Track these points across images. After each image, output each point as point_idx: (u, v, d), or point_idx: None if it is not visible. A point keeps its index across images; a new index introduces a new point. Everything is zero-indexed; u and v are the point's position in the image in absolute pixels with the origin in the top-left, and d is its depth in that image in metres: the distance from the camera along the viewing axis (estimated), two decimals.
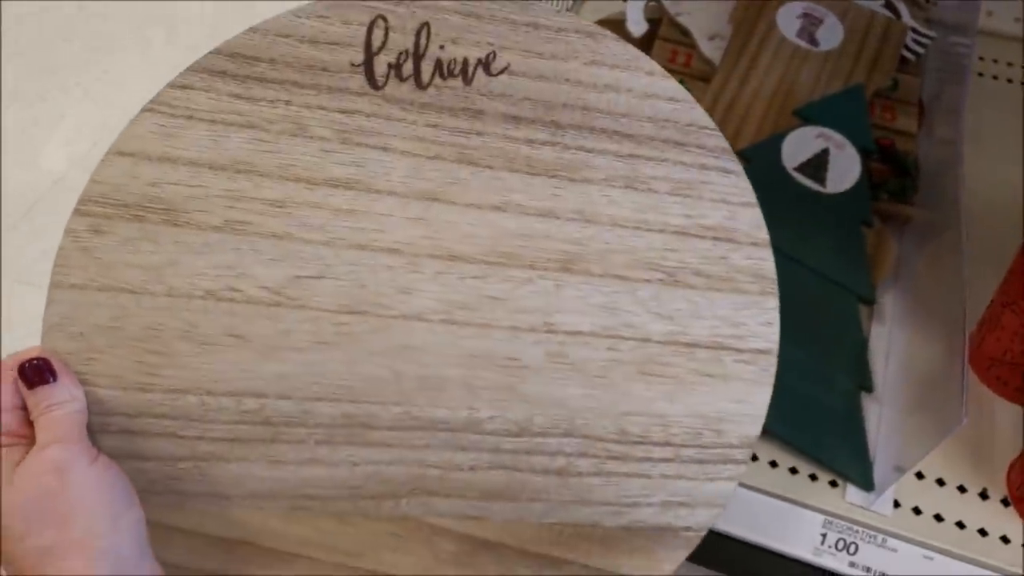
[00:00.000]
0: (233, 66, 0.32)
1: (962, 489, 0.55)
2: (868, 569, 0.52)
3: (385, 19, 0.31)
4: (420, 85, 0.32)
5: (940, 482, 0.55)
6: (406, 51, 0.31)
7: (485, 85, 0.32)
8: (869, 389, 0.58)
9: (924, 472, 0.55)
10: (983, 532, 0.52)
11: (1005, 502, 0.54)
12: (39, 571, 0.27)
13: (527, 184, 0.33)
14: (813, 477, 0.55)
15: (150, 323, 0.32)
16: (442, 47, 0.32)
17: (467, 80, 0.32)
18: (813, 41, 0.75)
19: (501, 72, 0.32)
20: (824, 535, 0.53)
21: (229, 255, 0.32)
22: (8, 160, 0.81)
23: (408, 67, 0.31)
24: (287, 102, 0.32)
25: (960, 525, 0.53)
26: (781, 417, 0.54)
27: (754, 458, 0.55)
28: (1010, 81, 0.85)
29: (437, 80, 0.32)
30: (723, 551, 0.55)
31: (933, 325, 0.62)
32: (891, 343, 0.62)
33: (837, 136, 0.67)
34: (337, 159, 0.32)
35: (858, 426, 0.56)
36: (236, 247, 0.32)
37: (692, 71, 0.75)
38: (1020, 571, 0.51)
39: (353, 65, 0.32)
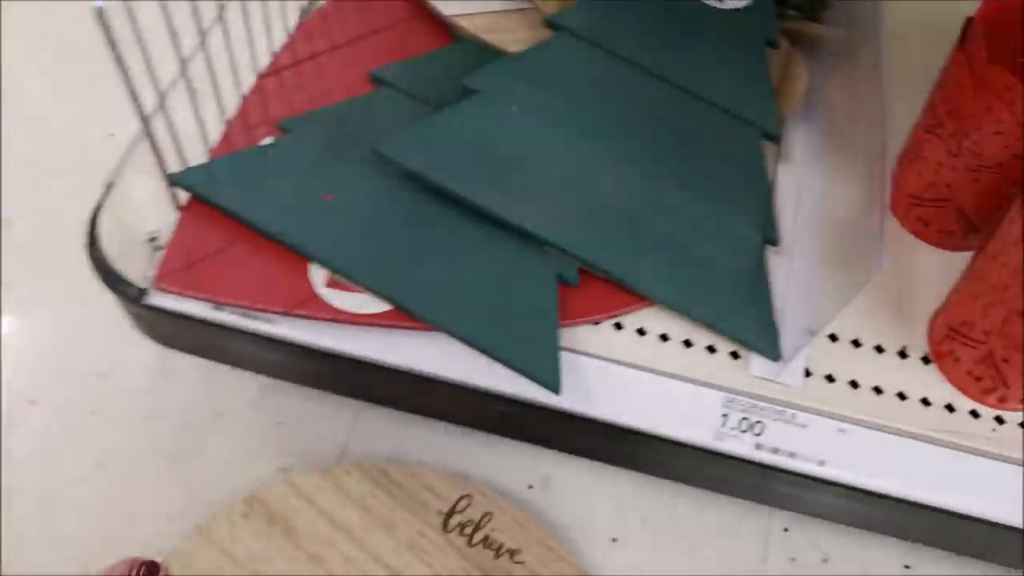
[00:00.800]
0: (379, 478, 0.50)
1: (880, 349, 0.47)
2: (776, 450, 0.45)
3: (471, 497, 0.50)
4: (469, 543, 0.48)
5: (856, 343, 0.47)
6: (472, 520, 0.49)
7: (505, 565, 0.48)
8: (774, 241, 0.49)
9: (838, 333, 0.48)
10: (902, 396, 0.46)
11: (926, 360, 0.47)
12: None
13: None
14: (711, 349, 0.46)
15: None
16: (493, 529, 0.49)
17: (497, 555, 0.48)
18: None
19: (519, 563, 0.48)
20: (725, 416, 0.45)
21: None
22: None
23: (468, 528, 0.49)
24: (393, 510, 0.49)
25: (877, 390, 0.46)
26: (669, 280, 0.46)
27: (641, 332, 0.47)
28: None
29: (480, 546, 0.48)
30: (607, 442, 0.47)
31: (849, 163, 0.53)
32: (801, 187, 0.53)
33: None
34: (395, 554, 0.48)
35: (762, 286, 0.47)
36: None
37: None
38: (940, 435, 0.45)
39: (440, 511, 0.49)
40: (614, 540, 0.58)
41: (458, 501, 0.49)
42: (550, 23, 0.53)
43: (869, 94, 0.51)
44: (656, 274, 0.46)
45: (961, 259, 0.49)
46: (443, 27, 0.57)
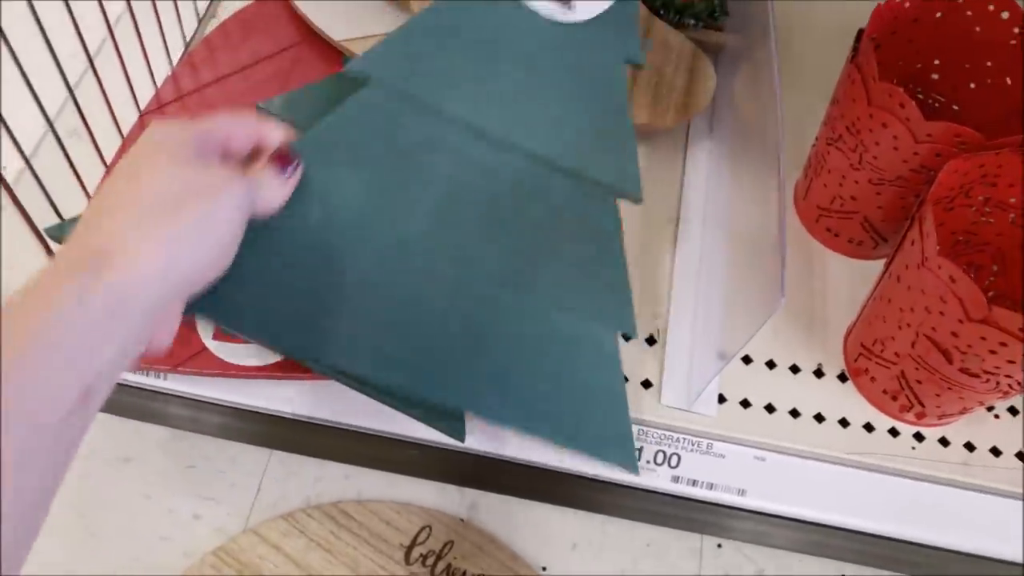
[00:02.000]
0: (340, 518, 0.50)
1: (795, 369, 0.46)
2: (695, 481, 0.44)
3: (431, 528, 0.48)
4: (432, 574, 0.47)
5: (770, 364, 0.46)
6: (433, 551, 0.48)
7: None
8: (631, 336, 0.41)
9: (751, 355, 0.46)
10: (819, 418, 0.45)
11: (843, 377, 0.46)
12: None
13: None
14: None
15: None
16: (455, 557, 0.47)
17: None
18: None
19: None
20: (640, 449, 0.44)
21: None
22: None
23: (430, 559, 0.47)
24: (355, 548, 0.48)
25: (794, 413, 0.45)
26: (512, 402, 0.38)
27: None
28: None
29: (443, 575, 0.47)
30: (521, 481, 0.46)
31: (754, 172, 0.52)
32: (709, 197, 0.52)
33: None
34: None
35: (616, 395, 0.39)
36: None
37: None
38: (860, 457, 0.44)
39: (402, 545, 0.48)
40: (544, 569, 0.56)
41: (419, 533, 0.50)
42: (350, 74, 0.40)
43: (767, 99, 0.49)
44: (496, 397, 0.37)
45: (873, 267, 0.48)
46: (335, 52, 0.54)
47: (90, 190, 0.48)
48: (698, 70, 0.53)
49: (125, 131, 0.51)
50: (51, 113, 0.44)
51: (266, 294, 0.36)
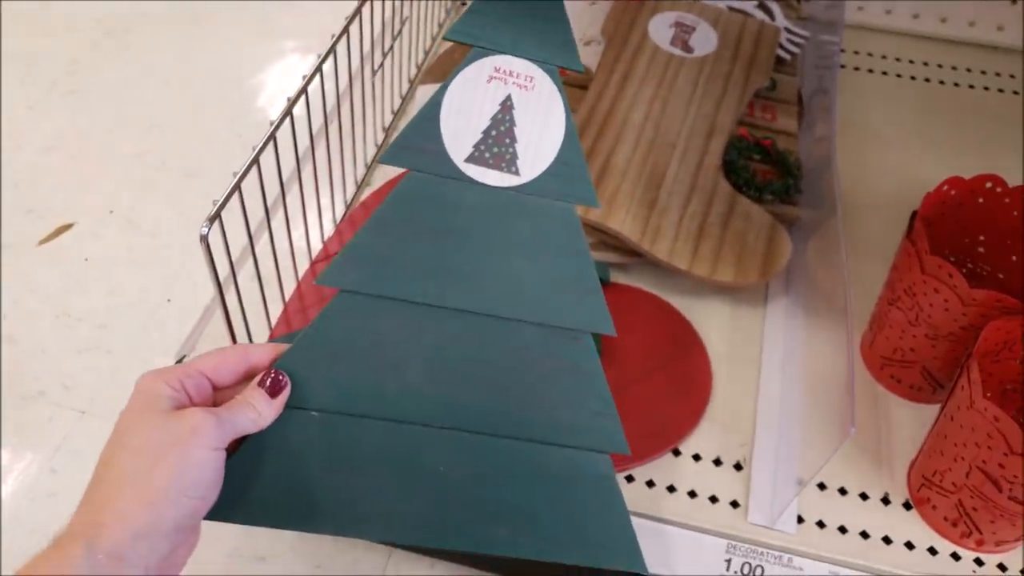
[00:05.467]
0: None
1: (864, 496, 0.53)
2: None
3: None
4: None
5: (842, 491, 0.53)
6: None
7: None
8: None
9: (826, 482, 0.53)
10: (887, 540, 0.51)
11: (907, 505, 0.52)
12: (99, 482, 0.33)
13: None
14: (713, 499, 0.52)
15: None
16: None
17: None
18: (687, 48, 0.74)
19: None
20: (729, 560, 0.50)
21: None
22: None
23: None
24: None
25: (864, 535, 0.51)
26: (521, 530, 0.42)
27: (650, 484, 0.53)
28: (884, 73, 0.86)
29: None
30: None
31: (826, 325, 0.60)
32: (787, 344, 0.60)
33: None
34: None
35: (616, 509, 0.43)
36: None
37: (567, 78, 0.73)
38: None
39: None
40: None
41: None
42: (320, 283, 0.43)
43: (835, 264, 0.58)
44: (507, 532, 0.41)
45: (931, 410, 0.55)
46: None
47: (273, 321, 0.59)
48: (776, 238, 0.63)
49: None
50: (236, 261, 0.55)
51: (285, 487, 0.40)
